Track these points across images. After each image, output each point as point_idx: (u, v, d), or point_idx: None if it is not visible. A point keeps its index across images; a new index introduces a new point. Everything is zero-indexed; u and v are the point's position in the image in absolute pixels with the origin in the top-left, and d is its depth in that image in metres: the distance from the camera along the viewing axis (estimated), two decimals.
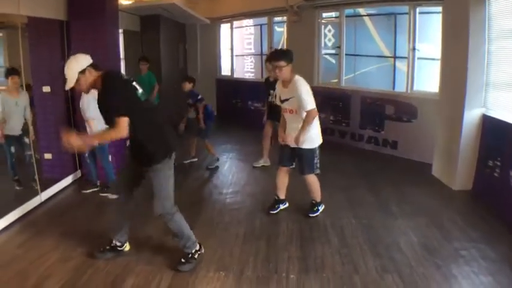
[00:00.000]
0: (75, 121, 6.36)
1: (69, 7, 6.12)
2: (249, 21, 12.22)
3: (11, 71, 5.72)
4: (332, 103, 8.91)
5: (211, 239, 4.35)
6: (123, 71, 8.25)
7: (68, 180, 6.31)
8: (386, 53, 8.46)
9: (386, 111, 7.98)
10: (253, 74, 12.37)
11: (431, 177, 6.64)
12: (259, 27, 11.79)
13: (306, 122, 4.71)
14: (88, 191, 5.99)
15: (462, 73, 5.77)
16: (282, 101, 4.94)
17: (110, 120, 3.54)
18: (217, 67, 13.09)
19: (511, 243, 4.37)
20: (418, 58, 7.63)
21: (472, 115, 5.79)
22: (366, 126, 8.46)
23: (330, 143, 7.51)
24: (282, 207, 5.30)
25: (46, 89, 6.23)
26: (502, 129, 5.26)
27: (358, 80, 9.01)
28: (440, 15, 6.81)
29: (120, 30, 8.02)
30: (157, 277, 3.76)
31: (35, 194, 5.48)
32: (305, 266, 3.95)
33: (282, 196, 5.30)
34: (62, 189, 6.09)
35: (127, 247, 4.22)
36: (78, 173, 6.60)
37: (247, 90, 11.74)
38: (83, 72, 3.60)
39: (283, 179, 5.25)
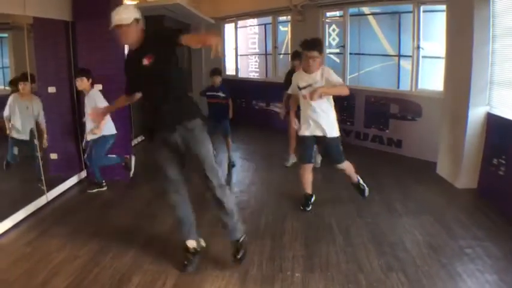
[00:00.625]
0: (81, 121, 6.40)
1: (74, 8, 6.16)
2: (253, 21, 12.23)
3: (21, 78, 5.76)
4: (336, 102, 8.88)
5: (217, 238, 4.35)
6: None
7: (73, 179, 6.34)
8: (391, 51, 8.45)
9: (390, 110, 7.98)
10: (257, 74, 12.38)
11: (436, 176, 6.63)
12: (263, 26, 11.79)
13: (339, 89, 4.89)
14: (94, 190, 6.02)
15: (466, 71, 5.76)
16: (301, 88, 4.99)
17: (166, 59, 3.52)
18: (222, 67, 13.09)
19: None
20: (423, 57, 7.62)
21: (476, 113, 5.79)
22: (370, 125, 8.45)
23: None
24: (312, 200, 5.36)
25: (51, 89, 6.27)
26: (506, 127, 5.25)
27: (363, 79, 9.01)
28: (445, 13, 6.80)
29: None
30: (163, 276, 3.78)
31: (41, 193, 5.51)
32: (310, 264, 3.96)
33: (310, 191, 5.34)
34: (68, 188, 6.12)
35: (202, 241, 4.11)
36: (84, 173, 6.62)
37: (252, 89, 11.75)
38: (137, 20, 3.54)
39: (309, 176, 5.29)
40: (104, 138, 5.90)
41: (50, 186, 5.73)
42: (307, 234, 4.59)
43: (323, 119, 5.00)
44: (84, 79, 5.76)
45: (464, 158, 5.93)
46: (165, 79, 3.55)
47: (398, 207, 5.35)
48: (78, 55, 6.26)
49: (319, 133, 5.02)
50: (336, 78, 4.88)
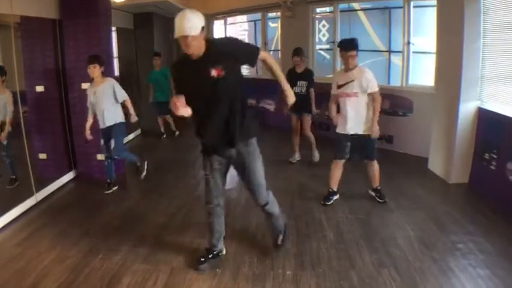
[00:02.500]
0: (70, 120, 6.35)
1: (61, 6, 6.10)
2: (243, 17, 12.20)
3: None
4: (327, 98, 8.86)
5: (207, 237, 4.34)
6: (116, 69, 8.26)
7: (63, 179, 6.29)
8: (381, 47, 8.45)
9: (381, 105, 7.96)
10: (248, 71, 12.34)
11: (428, 171, 6.64)
12: (253, 23, 11.77)
13: (377, 105, 5.04)
14: (110, 191, 5.96)
15: (457, 66, 5.76)
16: (340, 86, 5.09)
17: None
18: None
19: (508, 235, 4.37)
20: (413, 52, 7.61)
21: (467, 108, 5.79)
22: None
23: (325, 139, 7.52)
24: (335, 198, 5.39)
25: (40, 88, 6.20)
26: (497, 121, 5.26)
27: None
28: (435, 8, 6.80)
29: (113, 28, 8.01)
30: (153, 275, 3.75)
31: (30, 194, 5.45)
32: (301, 261, 3.94)
33: (335, 188, 5.39)
34: (57, 188, 6.07)
35: (224, 251, 4.10)
36: (74, 173, 6.57)
37: (242, 86, 11.70)
38: (203, 28, 3.26)
39: (339, 172, 5.36)
40: (122, 125, 5.90)
41: (39, 187, 5.67)
42: (298, 232, 4.58)
43: (361, 117, 5.08)
44: (97, 66, 5.61)
45: (456, 153, 5.93)
46: (233, 94, 3.47)
47: (390, 203, 5.34)
48: (65, 53, 6.20)
49: (357, 131, 5.11)
50: (372, 82, 5.01)
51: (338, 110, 5.30)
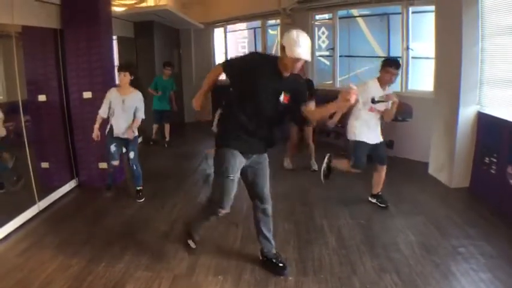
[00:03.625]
0: (72, 129, 6.37)
1: (62, 15, 6.12)
2: (243, 25, 12.24)
3: None
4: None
5: (209, 243, 4.35)
6: (117, 78, 8.30)
7: (65, 188, 6.29)
8: (380, 53, 8.48)
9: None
10: None
11: (428, 176, 6.66)
12: (252, 30, 11.82)
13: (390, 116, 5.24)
14: (110, 193, 6.02)
15: (456, 71, 5.79)
16: (376, 102, 5.10)
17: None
18: None
19: (509, 239, 4.39)
20: (412, 57, 7.66)
21: (467, 113, 5.82)
22: None
23: (326, 144, 7.54)
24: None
25: (42, 98, 6.22)
26: (497, 125, 5.28)
27: (353, 80, 9.01)
28: (433, 14, 6.83)
29: (114, 37, 8.04)
30: (156, 282, 3.75)
31: (33, 203, 5.47)
32: (303, 267, 3.95)
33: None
34: (60, 197, 6.08)
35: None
36: (76, 181, 6.58)
37: None
38: None
39: (377, 177, 5.49)
40: (137, 137, 5.95)
41: (42, 196, 5.68)
42: (300, 238, 4.59)
43: (378, 128, 5.28)
44: (127, 74, 5.61)
45: (456, 158, 5.95)
46: (280, 119, 3.68)
47: (391, 208, 5.36)
48: (66, 63, 6.22)
49: (376, 141, 5.25)
50: None
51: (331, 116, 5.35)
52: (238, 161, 3.60)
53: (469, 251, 4.16)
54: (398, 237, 4.54)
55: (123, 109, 5.63)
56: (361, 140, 5.24)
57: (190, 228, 4.04)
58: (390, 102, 5.07)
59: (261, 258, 4.04)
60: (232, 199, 3.71)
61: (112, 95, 5.65)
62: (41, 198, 5.61)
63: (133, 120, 5.68)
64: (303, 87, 3.63)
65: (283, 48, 3.33)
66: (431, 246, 4.29)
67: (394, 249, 4.25)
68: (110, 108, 5.66)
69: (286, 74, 3.41)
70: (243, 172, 3.75)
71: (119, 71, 5.62)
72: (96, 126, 5.66)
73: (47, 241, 4.67)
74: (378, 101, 5.07)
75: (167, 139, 9.49)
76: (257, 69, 3.45)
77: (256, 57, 3.67)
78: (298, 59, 3.26)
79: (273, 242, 3.99)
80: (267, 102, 3.45)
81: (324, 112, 3.65)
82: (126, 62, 5.62)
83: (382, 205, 5.40)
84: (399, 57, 7.75)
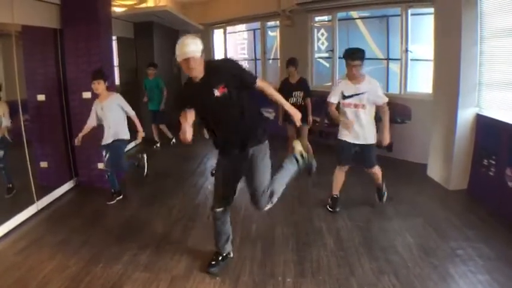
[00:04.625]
0: (71, 129, 6.37)
1: (62, 15, 6.14)
2: (242, 27, 12.26)
3: None
4: (326, 106, 8.89)
5: (208, 245, 4.34)
6: (116, 78, 8.29)
7: (64, 188, 6.30)
8: (380, 55, 8.48)
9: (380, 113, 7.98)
10: None
11: (427, 178, 6.66)
12: (252, 32, 11.83)
13: (387, 115, 5.13)
14: (113, 201, 5.91)
15: (455, 73, 5.80)
16: (347, 97, 5.05)
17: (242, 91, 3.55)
18: None
19: (508, 241, 4.39)
20: (411, 59, 7.66)
21: (465, 115, 5.82)
22: None
23: (324, 146, 7.54)
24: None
25: (41, 97, 6.23)
26: (495, 128, 5.28)
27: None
28: (432, 16, 6.84)
29: (114, 37, 8.04)
30: (154, 284, 3.76)
31: (31, 202, 5.47)
32: (301, 269, 3.95)
33: (338, 193, 5.45)
34: (58, 197, 6.08)
35: (232, 253, 4.18)
36: (75, 181, 6.58)
37: None
38: (203, 52, 3.45)
39: (342, 178, 5.40)
40: (124, 141, 5.91)
41: (40, 195, 5.68)
42: (298, 239, 4.59)
43: (365, 128, 5.07)
44: (101, 82, 5.58)
45: (455, 160, 5.96)
46: (240, 107, 3.57)
47: (389, 209, 5.36)
48: (66, 62, 6.23)
49: (360, 141, 5.11)
50: (381, 94, 5.04)
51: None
52: (223, 166, 3.83)
53: (468, 253, 4.16)
54: (397, 239, 4.54)
55: (103, 116, 5.66)
56: (343, 139, 5.20)
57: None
58: (365, 93, 4.98)
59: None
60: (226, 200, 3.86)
61: (95, 105, 5.72)
62: (39, 197, 5.62)
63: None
64: (227, 64, 3.64)
65: None
66: (429, 248, 4.28)
67: (393, 251, 4.25)
68: (97, 118, 5.72)
69: (197, 77, 3.48)
70: (238, 173, 3.82)
71: (92, 80, 5.58)
72: (81, 134, 5.69)
73: (46, 240, 4.68)
74: (349, 96, 5.03)
75: (171, 137, 9.50)
76: (189, 94, 3.62)
77: (185, 86, 3.73)
78: (182, 62, 3.38)
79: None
80: (212, 107, 3.52)
81: (277, 98, 3.76)
82: (95, 70, 5.60)
83: (377, 199, 5.48)
84: (398, 59, 7.77)
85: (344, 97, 5.07)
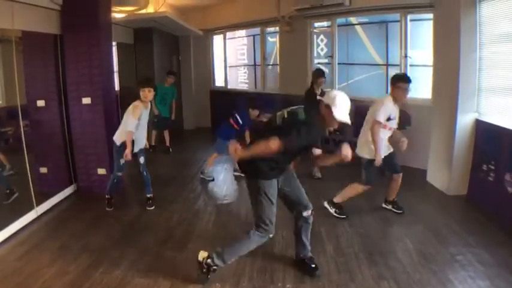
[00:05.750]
0: (70, 134, 6.37)
1: (62, 21, 6.14)
2: (242, 32, 12.27)
3: None
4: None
5: (207, 250, 4.34)
6: (116, 84, 8.30)
7: (63, 193, 6.29)
8: (379, 61, 8.50)
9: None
10: (246, 85, 12.40)
11: (426, 183, 6.67)
12: (252, 37, 11.84)
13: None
14: (112, 208, 5.86)
15: (454, 79, 5.82)
16: (390, 119, 5.14)
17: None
18: (211, 78, 13.12)
19: (508, 246, 4.40)
20: (411, 65, 7.68)
21: (465, 120, 5.84)
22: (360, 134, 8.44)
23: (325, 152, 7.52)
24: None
25: (41, 103, 6.23)
26: (495, 133, 5.29)
27: (352, 88, 9.03)
28: (432, 22, 6.87)
29: (114, 43, 8.05)
30: None
31: (31, 207, 5.46)
32: (301, 275, 3.95)
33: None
34: (58, 202, 6.07)
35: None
36: (74, 187, 6.58)
37: (241, 101, 11.73)
38: None
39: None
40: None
41: (40, 201, 5.68)
42: None
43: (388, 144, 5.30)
44: (152, 90, 5.57)
45: (454, 165, 5.97)
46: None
47: (389, 215, 5.37)
48: (66, 68, 6.23)
49: (386, 153, 5.29)
50: None
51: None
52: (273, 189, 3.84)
53: (467, 258, 4.17)
54: (396, 245, 4.55)
55: (142, 123, 5.69)
56: (369, 157, 5.21)
57: None
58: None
59: (294, 258, 4.16)
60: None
61: (140, 113, 5.60)
62: (39, 203, 5.61)
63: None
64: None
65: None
66: (429, 254, 4.29)
67: (392, 257, 4.25)
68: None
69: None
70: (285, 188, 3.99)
71: (144, 87, 5.54)
72: (128, 149, 5.54)
73: (46, 246, 4.67)
74: (394, 118, 5.15)
75: (168, 145, 9.50)
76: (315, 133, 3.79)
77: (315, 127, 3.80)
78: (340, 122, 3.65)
79: (309, 247, 4.11)
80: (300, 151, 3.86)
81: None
82: (147, 77, 5.65)
83: (399, 211, 5.47)
84: (397, 65, 7.79)
85: (388, 119, 5.12)
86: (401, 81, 5.05)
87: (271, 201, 3.71)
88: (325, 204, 5.51)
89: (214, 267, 3.76)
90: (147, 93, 5.51)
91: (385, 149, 5.22)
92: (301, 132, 3.46)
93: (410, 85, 5.05)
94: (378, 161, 5.01)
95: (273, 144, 3.32)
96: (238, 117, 6.92)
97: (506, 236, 4.66)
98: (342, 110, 3.53)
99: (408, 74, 7.51)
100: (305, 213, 3.94)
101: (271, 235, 3.78)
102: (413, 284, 3.73)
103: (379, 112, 5.01)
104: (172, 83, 9.38)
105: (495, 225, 4.96)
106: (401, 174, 5.41)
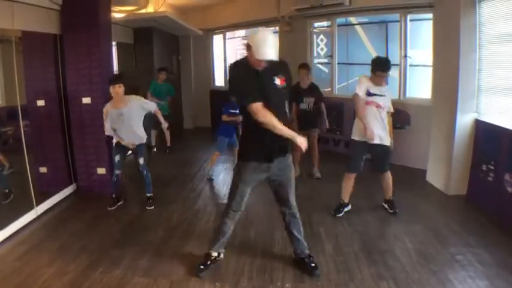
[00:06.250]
0: (70, 134, 6.37)
1: (62, 21, 6.15)
2: (242, 32, 12.27)
3: None
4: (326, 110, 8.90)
5: (206, 250, 4.34)
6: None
7: (63, 193, 6.29)
8: None
9: None
10: None
11: (426, 183, 6.67)
12: None
13: (391, 122, 5.26)
14: (114, 207, 5.88)
15: (454, 79, 5.82)
16: (371, 94, 5.13)
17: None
18: (211, 78, 13.12)
19: (507, 246, 4.39)
20: (410, 65, 7.68)
21: (464, 120, 5.84)
22: None
23: (324, 152, 7.54)
24: (346, 209, 5.47)
25: (40, 102, 6.23)
26: (494, 133, 5.29)
27: (352, 88, 9.02)
28: (431, 22, 6.87)
29: (114, 43, 8.06)
30: None
31: (31, 207, 5.46)
32: (300, 274, 3.95)
33: (347, 200, 5.47)
34: (58, 202, 6.08)
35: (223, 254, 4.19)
36: (74, 186, 6.58)
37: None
38: None
39: (351, 184, 5.43)
40: (144, 144, 5.91)
41: (40, 200, 5.68)
42: None
43: (380, 129, 5.18)
44: (122, 85, 5.48)
45: (454, 165, 5.97)
46: (286, 102, 3.73)
47: (388, 215, 5.37)
48: (66, 68, 6.24)
49: (376, 141, 5.17)
50: (391, 103, 5.31)
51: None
52: (253, 170, 3.82)
53: (467, 258, 4.17)
54: (396, 244, 4.54)
55: (124, 121, 5.61)
56: (356, 139, 5.28)
57: None
58: (386, 96, 5.17)
59: (294, 257, 4.15)
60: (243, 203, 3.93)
61: (111, 111, 5.61)
62: (39, 203, 5.62)
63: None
64: (288, 70, 3.79)
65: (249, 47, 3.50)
66: (428, 254, 4.29)
67: (392, 257, 4.25)
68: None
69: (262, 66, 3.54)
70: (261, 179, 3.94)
71: (112, 84, 5.46)
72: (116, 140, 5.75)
73: (45, 246, 4.67)
74: (374, 94, 5.14)
75: (168, 145, 9.50)
76: (251, 79, 3.60)
77: (244, 73, 3.68)
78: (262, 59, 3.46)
79: (305, 243, 4.10)
80: (270, 95, 3.58)
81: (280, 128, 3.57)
82: (115, 74, 5.58)
83: (390, 211, 5.45)
84: (397, 64, 7.78)
85: (370, 94, 5.14)
86: (378, 69, 5.12)
87: (241, 186, 3.79)
88: (385, 205, 5.56)
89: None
90: (118, 90, 5.45)
91: (376, 136, 5.17)
92: (233, 76, 3.67)
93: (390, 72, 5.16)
94: (369, 135, 5.06)
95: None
96: (230, 107, 6.86)
97: (505, 236, 4.66)
98: (261, 49, 3.38)
99: (407, 74, 7.58)
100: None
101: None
102: (412, 284, 3.73)
103: (356, 86, 5.17)
104: (165, 80, 9.26)
105: (495, 225, 4.96)
106: (388, 173, 5.39)
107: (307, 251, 4.08)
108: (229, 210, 3.91)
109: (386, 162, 5.37)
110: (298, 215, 4.03)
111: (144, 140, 5.88)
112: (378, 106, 5.12)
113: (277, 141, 3.61)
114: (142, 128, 5.81)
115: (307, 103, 6.76)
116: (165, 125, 6.28)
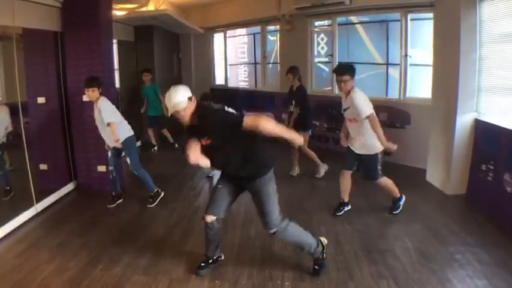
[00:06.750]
0: (71, 131, 6.38)
1: (63, 18, 6.16)
2: (242, 31, 12.28)
3: None
4: (325, 111, 8.93)
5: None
6: (117, 81, 8.30)
7: (63, 190, 6.30)
8: (379, 60, 8.50)
9: (379, 117, 7.89)
10: (247, 83, 12.41)
11: (425, 183, 6.67)
12: (252, 36, 11.85)
13: (372, 127, 4.91)
14: (114, 205, 5.90)
15: (454, 78, 5.82)
16: (344, 110, 5.15)
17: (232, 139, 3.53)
18: (212, 76, 13.12)
19: (506, 246, 4.39)
20: (411, 65, 7.67)
21: (464, 120, 5.84)
22: None
23: (324, 150, 7.54)
24: (346, 209, 5.46)
25: (41, 100, 6.24)
26: (494, 133, 5.29)
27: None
28: (432, 21, 6.87)
29: (114, 41, 8.06)
30: (152, 287, 3.76)
31: (31, 204, 5.47)
32: (300, 273, 3.96)
33: (346, 199, 5.46)
34: (58, 199, 6.08)
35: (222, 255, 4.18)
36: (74, 184, 6.59)
37: (242, 99, 11.76)
38: (190, 99, 3.54)
39: (347, 182, 5.41)
40: (130, 140, 5.78)
41: (40, 197, 5.68)
42: None
43: (358, 141, 5.13)
44: (96, 89, 5.46)
45: (453, 165, 5.97)
46: (231, 149, 3.62)
47: (388, 214, 5.37)
48: (66, 65, 6.24)
49: (361, 152, 5.16)
50: (359, 108, 4.89)
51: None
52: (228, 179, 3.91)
53: (466, 257, 4.17)
54: (396, 243, 4.54)
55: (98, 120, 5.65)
56: (346, 145, 5.35)
57: None
58: (350, 108, 5.04)
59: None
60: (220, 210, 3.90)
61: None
62: (39, 200, 5.62)
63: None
64: (210, 123, 3.54)
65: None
66: (428, 253, 4.29)
67: (391, 256, 4.25)
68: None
69: (192, 122, 3.61)
70: (240, 191, 3.98)
71: (86, 88, 5.48)
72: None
73: (45, 243, 4.69)
74: (344, 109, 5.16)
75: (172, 141, 9.53)
76: (188, 131, 3.78)
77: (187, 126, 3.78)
78: (175, 114, 3.58)
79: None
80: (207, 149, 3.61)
81: (275, 132, 3.47)
82: (90, 77, 5.53)
83: (389, 211, 5.45)
84: (397, 64, 7.79)
85: (343, 110, 5.18)
86: (334, 73, 5.13)
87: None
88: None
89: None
90: (91, 94, 5.47)
91: (356, 146, 5.18)
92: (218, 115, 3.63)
93: (345, 77, 4.94)
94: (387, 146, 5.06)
95: None
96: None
97: (504, 235, 4.66)
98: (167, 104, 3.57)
99: (407, 73, 7.58)
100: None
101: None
102: (412, 283, 3.73)
103: (363, 107, 4.96)
104: (150, 80, 9.16)
105: (494, 225, 4.96)
106: (380, 180, 5.26)
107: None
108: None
109: (370, 170, 5.20)
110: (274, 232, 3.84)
111: (126, 136, 5.71)
112: (351, 120, 5.10)
113: (244, 170, 3.66)
114: (121, 125, 5.70)
115: (293, 105, 6.78)
116: (114, 143, 5.70)
